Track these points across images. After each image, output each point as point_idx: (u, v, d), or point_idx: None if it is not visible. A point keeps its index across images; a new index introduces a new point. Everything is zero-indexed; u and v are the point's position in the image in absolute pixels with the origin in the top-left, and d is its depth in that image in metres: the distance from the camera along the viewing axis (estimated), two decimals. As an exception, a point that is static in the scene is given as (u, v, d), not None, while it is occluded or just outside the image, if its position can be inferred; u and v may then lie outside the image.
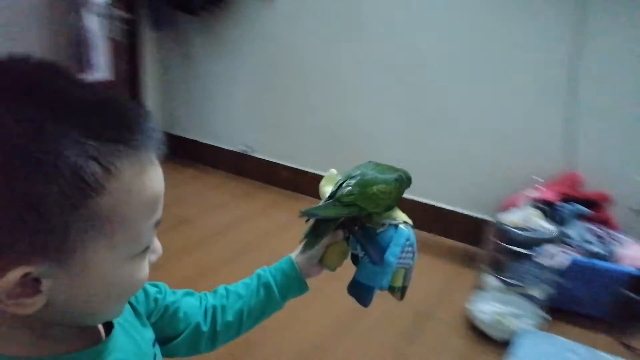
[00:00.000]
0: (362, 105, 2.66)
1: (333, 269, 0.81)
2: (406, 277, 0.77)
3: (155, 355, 0.65)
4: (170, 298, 0.76)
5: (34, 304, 0.45)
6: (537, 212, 1.95)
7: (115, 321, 0.58)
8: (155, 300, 0.73)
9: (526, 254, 1.83)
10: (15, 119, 0.40)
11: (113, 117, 0.45)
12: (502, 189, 2.27)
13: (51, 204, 0.41)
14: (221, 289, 0.83)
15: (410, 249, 0.76)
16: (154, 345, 0.66)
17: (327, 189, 0.80)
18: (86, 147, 0.41)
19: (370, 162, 0.82)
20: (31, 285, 0.44)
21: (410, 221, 0.79)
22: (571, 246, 1.91)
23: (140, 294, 0.71)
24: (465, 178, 2.46)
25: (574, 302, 1.95)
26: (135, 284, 0.53)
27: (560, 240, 1.91)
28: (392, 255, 0.73)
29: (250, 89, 3.02)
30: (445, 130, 2.46)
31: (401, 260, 0.75)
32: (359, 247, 0.77)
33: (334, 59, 2.66)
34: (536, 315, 1.83)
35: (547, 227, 1.89)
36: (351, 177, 0.77)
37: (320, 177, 0.86)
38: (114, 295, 0.51)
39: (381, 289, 0.76)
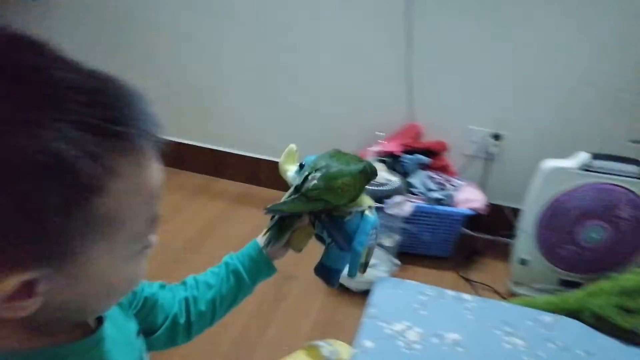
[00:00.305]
0: (211, 62, 2.48)
1: (299, 251, 0.82)
2: (368, 254, 0.80)
3: (140, 347, 0.66)
4: (148, 290, 0.74)
5: (28, 308, 0.42)
6: (382, 166, 2.02)
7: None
8: (134, 292, 0.71)
9: (376, 206, 1.89)
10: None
11: (112, 106, 0.40)
12: (350, 145, 2.31)
13: (47, 208, 0.37)
14: (190, 279, 0.81)
15: (374, 231, 0.79)
16: (138, 336, 0.66)
17: (288, 167, 0.81)
18: (83, 142, 0.37)
19: (334, 151, 0.81)
20: (26, 289, 0.41)
21: (373, 204, 0.81)
22: (415, 194, 2.03)
23: None
24: (314, 136, 2.46)
25: (421, 246, 2.09)
26: (133, 282, 0.52)
27: (406, 190, 2.01)
28: (359, 244, 0.75)
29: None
30: (293, 88, 2.41)
31: (367, 244, 0.77)
32: (325, 233, 0.78)
33: (184, 16, 2.42)
34: (389, 263, 1.92)
35: (392, 179, 1.97)
36: (316, 170, 0.76)
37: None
38: (112, 294, 0.51)
39: (350, 276, 0.78)
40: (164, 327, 0.74)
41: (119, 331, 0.60)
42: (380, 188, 1.92)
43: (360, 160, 0.80)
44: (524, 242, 1.88)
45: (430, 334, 1.48)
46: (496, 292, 2.02)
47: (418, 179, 2.07)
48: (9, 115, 0.36)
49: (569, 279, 1.86)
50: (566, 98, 2.04)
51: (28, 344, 0.47)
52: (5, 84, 0.36)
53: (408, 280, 1.81)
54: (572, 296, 1.71)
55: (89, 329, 0.55)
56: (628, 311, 1.56)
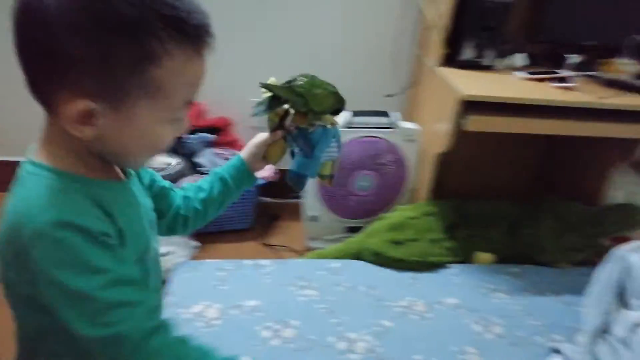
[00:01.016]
0: None
1: (274, 163, 0.94)
2: (333, 167, 0.97)
3: (154, 219, 0.81)
4: (162, 183, 0.89)
5: (86, 132, 0.58)
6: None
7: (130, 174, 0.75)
8: (154, 179, 0.86)
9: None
10: None
11: (182, 8, 0.55)
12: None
13: (121, 60, 0.54)
14: (187, 184, 0.95)
15: (335, 144, 0.94)
16: (153, 211, 0.81)
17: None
18: (156, 27, 0.54)
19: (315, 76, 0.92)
20: (88, 118, 0.57)
21: (336, 122, 0.95)
22: (204, 173, 2.01)
23: (145, 170, 0.84)
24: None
25: (222, 222, 2.10)
26: (160, 145, 0.65)
27: (193, 170, 1.98)
28: (319, 150, 0.90)
29: None
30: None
31: (328, 154, 0.93)
32: (294, 144, 0.91)
33: None
34: (187, 246, 1.89)
35: (173, 161, 1.92)
36: (302, 75, 0.89)
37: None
38: (144, 147, 0.65)
39: (312, 176, 0.93)
40: (169, 215, 0.88)
41: (142, 196, 0.76)
42: (161, 173, 1.85)
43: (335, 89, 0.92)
44: (311, 200, 2.03)
45: (229, 306, 1.51)
46: (294, 251, 2.16)
47: (205, 158, 2.05)
48: None
49: (353, 225, 2.08)
50: (330, 66, 2.22)
51: (83, 170, 0.63)
52: None
53: (207, 260, 1.81)
54: (354, 240, 1.92)
55: (122, 178, 0.72)
56: (397, 243, 1.82)
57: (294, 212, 2.32)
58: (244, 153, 0.95)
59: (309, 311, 1.57)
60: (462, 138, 1.69)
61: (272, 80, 0.93)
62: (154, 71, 0.55)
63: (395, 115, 2.04)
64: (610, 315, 1.48)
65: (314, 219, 2.07)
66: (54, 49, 0.52)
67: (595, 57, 1.81)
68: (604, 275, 1.51)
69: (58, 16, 0.50)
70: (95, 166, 0.64)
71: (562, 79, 1.59)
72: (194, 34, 0.58)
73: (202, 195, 0.92)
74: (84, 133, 0.57)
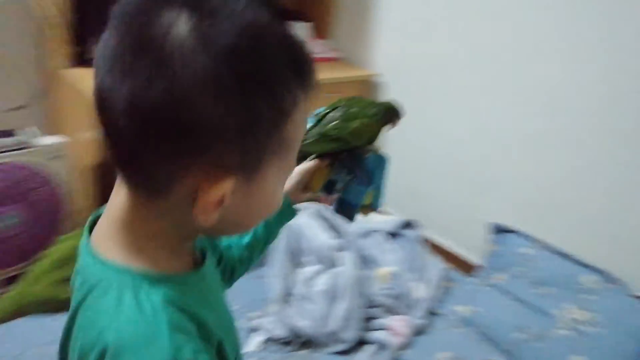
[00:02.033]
0: None
1: (316, 192, 0.81)
2: (376, 196, 0.84)
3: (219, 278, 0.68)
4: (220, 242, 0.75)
5: (214, 216, 0.45)
6: None
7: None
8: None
9: None
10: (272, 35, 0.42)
11: (303, 56, 0.46)
12: None
13: (263, 122, 0.42)
14: None
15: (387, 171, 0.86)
16: (216, 267, 0.69)
17: None
18: (289, 79, 0.43)
19: (350, 97, 0.82)
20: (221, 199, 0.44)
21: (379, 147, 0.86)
22: None
23: None
24: None
25: None
26: (277, 206, 0.53)
27: None
28: (379, 178, 0.82)
29: None
30: None
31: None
32: (345, 172, 0.78)
33: None
34: None
35: None
36: (335, 109, 0.78)
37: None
38: (263, 213, 0.52)
39: (376, 207, 0.84)
40: (220, 265, 0.73)
41: (213, 267, 0.62)
42: None
43: (378, 103, 0.81)
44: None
45: None
46: None
47: None
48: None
49: (10, 275, 1.69)
50: None
51: (164, 264, 0.48)
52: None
53: None
54: (13, 294, 1.56)
55: (198, 259, 0.56)
56: (66, 280, 1.56)
57: None
58: (291, 192, 0.79)
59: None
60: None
61: None
62: (287, 128, 0.45)
63: (30, 132, 1.71)
64: (290, 278, 1.63)
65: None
66: (187, 120, 0.39)
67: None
68: (277, 243, 1.65)
69: (196, 81, 0.38)
70: (175, 251, 0.50)
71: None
72: (313, 79, 0.47)
73: (246, 239, 0.78)
74: (210, 217, 0.45)
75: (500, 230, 1.81)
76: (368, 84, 2.20)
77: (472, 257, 1.96)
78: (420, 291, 1.69)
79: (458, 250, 2.01)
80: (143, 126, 0.40)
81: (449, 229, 2.04)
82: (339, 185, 0.79)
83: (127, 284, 0.45)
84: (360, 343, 1.54)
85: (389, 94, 2.17)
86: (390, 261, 1.73)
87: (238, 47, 0.39)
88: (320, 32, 2.31)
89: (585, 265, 1.57)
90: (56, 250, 1.59)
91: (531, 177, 1.75)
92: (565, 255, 1.62)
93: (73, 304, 0.49)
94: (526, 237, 1.73)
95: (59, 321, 1.52)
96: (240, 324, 1.58)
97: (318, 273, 1.60)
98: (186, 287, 0.49)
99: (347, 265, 1.57)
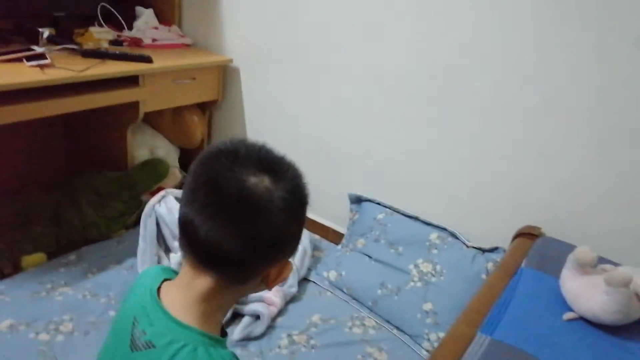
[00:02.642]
0: None
1: None
2: None
3: None
4: None
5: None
6: None
7: None
8: None
9: None
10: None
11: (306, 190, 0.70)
12: None
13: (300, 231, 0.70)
14: None
15: None
16: None
17: None
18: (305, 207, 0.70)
19: None
20: None
21: None
22: None
23: None
24: None
25: None
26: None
27: None
28: None
29: None
30: None
31: None
32: None
33: None
34: None
35: None
36: None
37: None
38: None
39: None
40: None
41: None
42: None
43: None
44: None
45: None
46: None
47: None
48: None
49: None
50: None
51: (214, 327, 0.69)
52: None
53: None
54: None
55: None
56: None
57: None
58: None
59: None
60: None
61: None
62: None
63: None
64: (162, 263, 1.64)
65: None
66: (278, 235, 0.64)
67: (70, 28, 1.80)
68: (143, 232, 1.64)
69: (284, 216, 0.63)
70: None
71: (40, 56, 1.51)
72: None
73: None
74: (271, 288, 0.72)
75: (359, 199, 1.98)
76: (222, 69, 2.22)
77: (339, 227, 2.12)
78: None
79: (326, 222, 2.16)
80: (255, 247, 0.62)
81: (317, 204, 2.17)
82: None
83: (203, 342, 0.64)
84: (236, 317, 1.61)
85: (243, 80, 2.23)
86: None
87: (296, 194, 0.66)
88: (165, 17, 2.26)
89: (431, 225, 1.79)
90: None
91: (381, 151, 1.93)
92: (414, 218, 1.83)
93: (164, 357, 0.63)
94: (380, 204, 1.92)
95: None
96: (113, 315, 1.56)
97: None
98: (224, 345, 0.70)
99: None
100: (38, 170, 2.21)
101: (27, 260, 1.72)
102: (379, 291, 1.71)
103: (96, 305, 1.59)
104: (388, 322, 1.69)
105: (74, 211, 1.88)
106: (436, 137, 1.77)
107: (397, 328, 1.67)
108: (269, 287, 0.70)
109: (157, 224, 1.63)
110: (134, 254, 1.86)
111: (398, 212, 1.87)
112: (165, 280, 0.71)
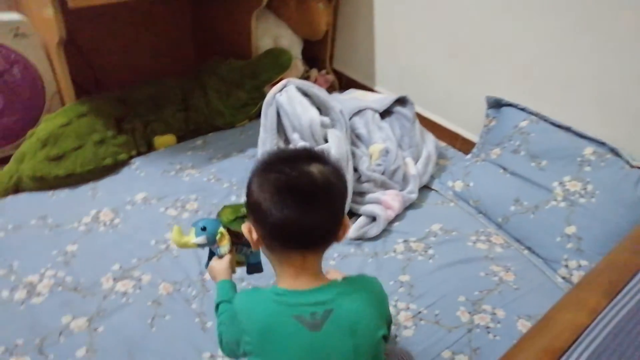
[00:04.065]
0: None
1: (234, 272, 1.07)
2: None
3: None
4: None
5: None
6: None
7: None
8: None
9: None
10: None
11: None
12: None
13: None
14: None
15: None
16: None
17: (187, 238, 1.00)
18: None
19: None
20: None
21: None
22: None
23: None
24: None
25: None
26: None
27: None
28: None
29: None
30: None
31: None
32: (244, 249, 1.06)
33: None
34: None
35: None
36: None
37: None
38: None
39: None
40: None
41: None
42: None
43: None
44: None
45: None
46: None
47: None
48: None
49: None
50: None
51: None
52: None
53: None
54: (4, 173, 1.56)
55: None
56: (58, 158, 1.55)
57: None
58: (228, 276, 1.00)
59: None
60: (90, 20, 1.44)
61: (177, 228, 1.01)
62: None
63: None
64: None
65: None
66: (344, 201, 0.81)
67: None
68: (264, 121, 1.60)
69: (338, 181, 0.77)
70: None
71: None
72: None
73: None
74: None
75: (498, 103, 1.73)
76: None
77: (469, 135, 1.90)
78: (414, 167, 1.67)
79: (454, 128, 1.95)
80: (338, 216, 0.78)
81: (446, 107, 1.97)
82: (250, 258, 1.09)
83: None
84: (352, 215, 1.55)
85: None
86: (382, 138, 1.69)
87: (336, 167, 0.78)
88: None
89: (586, 137, 1.51)
90: (40, 130, 1.57)
91: (529, 47, 1.62)
92: (565, 128, 1.55)
93: (323, 311, 0.77)
94: (524, 110, 1.66)
95: (56, 196, 1.54)
96: (236, 199, 1.60)
97: (309, 149, 1.57)
98: None
99: (335, 141, 1.53)
100: (169, 61, 2.27)
101: (159, 140, 1.80)
102: (512, 207, 1.52)
103: (219, 189, 1.64)
104: (518, 241, 1.51)
105: (202, 98, 1.91)
106: (601, 30, 1.43)
107: (529, 249, 1.49)
108: (339, 242, 0.82)
109: (278, 114, 1.58)
110: (255, 144, 1.87)
111: (546, 120, 1.60)
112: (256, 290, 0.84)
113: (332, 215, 0.76)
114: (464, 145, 1.91)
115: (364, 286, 0.84)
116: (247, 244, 1.02)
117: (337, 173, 0.77)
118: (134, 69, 2.10)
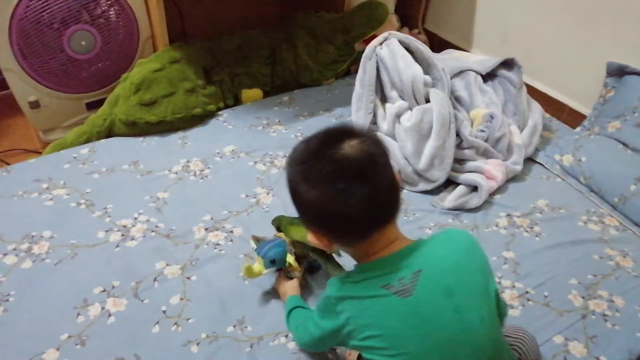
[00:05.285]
0: None
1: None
2: None
3: None
4: None
5: None
6: None
7: None
8: None
9: None
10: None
11: None
12: None
13: None
14: None
15: None
16: None
17: (257, 270, 1.05)
18: None
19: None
20: None
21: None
22: None
23: None
24: None
25: None
26: None
27: None
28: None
29: None
30: None
31: None
32: (310, 261, 1.12)
33: None
34: None
35: None
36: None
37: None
38: None
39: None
40: None
41: None
42: None
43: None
44: (18, 82, 1.53)
45: None
46: (30, 151, 1.71)
47: None
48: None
49: (91, 100, 1.68)
50: None
51: None
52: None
53: None
54: (97, 116, 1.54)
55: None
56: (150, 104, 1.52)
57: (9, 106, 1.78)
58: (297, 293, 1.05)
59: (63, 214, 1.25)
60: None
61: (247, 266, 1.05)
62: None
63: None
64: (375, 113, 1.51)
65: (35, 105, 1.59)
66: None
67: None
68: (362, 75, 1.50)
69: (385, 151, 0.71)
70: None
71: None
72: None
73: None
74: None
75: (621, 71, 1.54)
76: None
77: (580, 107, 1.72)
78: (519, 136, 1.53)
79: (561, 98, 1.78)
80: (396, 184, 0.72)
81: (552, 74, 1.79)
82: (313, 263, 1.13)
83: None
84: (451, 184, 1.45)
85: None
86: (485, 103, 1.55)
87: (376, 141, 0.71)
88: None
89: None
90: (134, 74, 1.55)
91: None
92: None
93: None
94: (654, 79, 1.47)
95: (146, 142, 1.52)
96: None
97: (406, 109, 1.46)
98: None
99: (437, 101, 1.41)
100: (255, 15, 2.19)
101: (247, 93, 1.75)
102: (633, 187, 1.36)
103: (307, 147, 1.57)
104: (637, 225, 1.36)
105: (290, 53, 1.83)
106: None
107: (650, 235, 1.33)
108: None
109: (377, 69, 1.47)
110: (342, 103, 1.78)
111: (680, 91, 1.41)
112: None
113: (390, 179, 0.70)
114: (571, 118, 1.73)
115: (453, 238, 0.76)
116: (314, 254, 1.06)
117: (372, 140, 0.70)
118: (220, 23, 2.03)
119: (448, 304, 0.68)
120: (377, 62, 1.46)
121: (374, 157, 0.69)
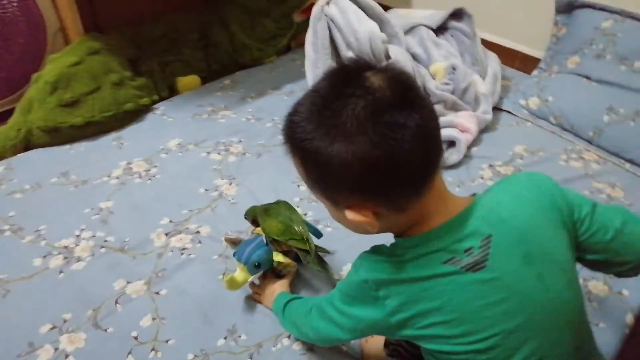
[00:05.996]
0: None
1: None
2: None
3: None
4: None
5: None
6: None
7: None
8: None
9: None
10: None
11: None
12: None
13: None
14: None
15: None
16: None
17: (242, 279, 0.90)
18: None
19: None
20: None
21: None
22: None
23: None
24: None
25: None
26: None
27: None
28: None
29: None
30: None
31: None
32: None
33: None
34: None
35: None
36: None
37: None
38: None
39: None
40: None
41: None
42: None
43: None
44: None
45: None
46: None
47: None
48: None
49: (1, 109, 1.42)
50: None
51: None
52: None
53: None
54: (9, 127, 1.29)
55: None
56: (72, 104, 1.30)
57: None
58: (287, 289, 0.92)
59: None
60: None
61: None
62: None
63: None
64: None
65: None
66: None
67: None
68: (313, 39, 1.35)
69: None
70: None
71: None
72: None
73: None
74: None
75: (570, 6, 1.51)
76: None
77: (532, 51, 1.69)
78: (482, 85, 1.46)
79: (512, 45, 1.73)
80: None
81: (498, 23, 1.74)
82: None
83: None
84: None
85: None
86: (444, 56, 1.46)
87: (405, 72, 0.56)
88: None
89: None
90: (49, 70, 1.31)
91: None
92: (657, 22, 1.35)
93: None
94: (604, 9, 1.44)
95: (75, 149, 1.27)
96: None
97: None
98: None
99: (400, 58, 1.30)
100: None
101: (182, 81, 1.55)
102: (606, 117, 1.33)
103: (262, 129, 1.41)
104: (616, 155, 1.33)
105: (223, 32, 1.65)
106: None
107: (631, 162, 1.30)
108: None
109: (325, 29, 1.34)
110: (290, 79, 1.64)
111: (634, 17, 1.39)
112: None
113: (433, 106, 0.56)
114: (525, 63, 1.69)
115: (522, 186, 0.61)
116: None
117: (396, 67, 0.56)
118: (138, 9, 1.81)
119: (530, 272, 0.55)
120: (327, 23, 1.33)
121: (412, 81, 0.55)
